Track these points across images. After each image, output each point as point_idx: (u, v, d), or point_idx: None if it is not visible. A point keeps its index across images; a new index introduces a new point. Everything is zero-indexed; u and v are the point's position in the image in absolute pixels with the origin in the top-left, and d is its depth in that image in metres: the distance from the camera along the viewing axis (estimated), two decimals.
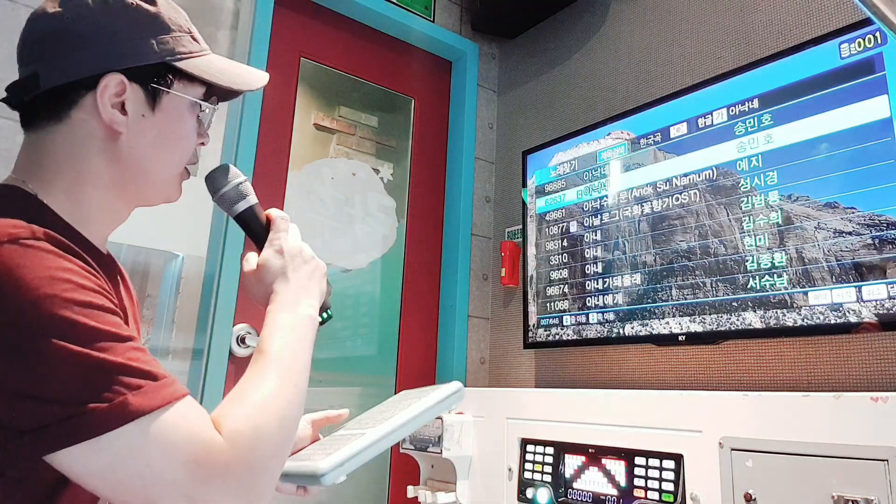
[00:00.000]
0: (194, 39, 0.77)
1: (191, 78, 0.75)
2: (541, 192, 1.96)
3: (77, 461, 0.54)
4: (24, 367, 0.53)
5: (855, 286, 1.23)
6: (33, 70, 0.70)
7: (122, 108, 0.70)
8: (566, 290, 1.82)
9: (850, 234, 1.25)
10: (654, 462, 1.28)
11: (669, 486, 1.24)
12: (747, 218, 1.41)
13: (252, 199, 0.83)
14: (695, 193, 1.53)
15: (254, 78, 0.82)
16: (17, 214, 0.60)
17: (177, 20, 0.75)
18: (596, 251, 1.75)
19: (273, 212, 0.83)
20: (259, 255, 0.81)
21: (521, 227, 2.03)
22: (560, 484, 1.45)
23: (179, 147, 0.76)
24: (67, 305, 0.55)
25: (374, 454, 0.74)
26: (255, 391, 0.65)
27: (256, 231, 0.83)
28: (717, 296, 1.44)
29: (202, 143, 0.80)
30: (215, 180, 0.81)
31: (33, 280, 0.55)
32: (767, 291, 1.35)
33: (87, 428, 0.53)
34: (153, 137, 0.73)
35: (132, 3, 0.71)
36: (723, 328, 1.42)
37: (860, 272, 1.23)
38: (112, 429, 0.53)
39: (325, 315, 0.86)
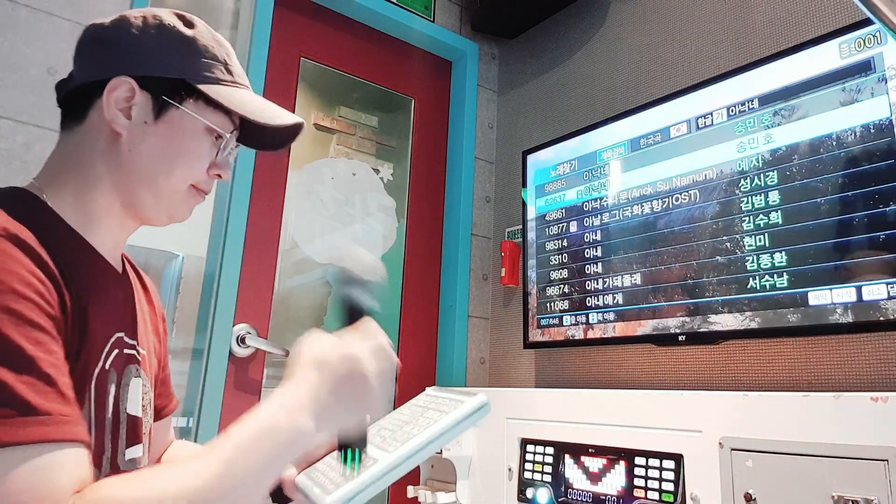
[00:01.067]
0: (228, 71, 0.77)
1: (211, 103, 0.74)
2: (541, 192, 1.96)
3: None
4: None
5: (855, 286, 1.23)
6: (73, 71, 0.75)
7: (129, 114, 0.72)
8: (566, 290, 1.82)
9: (850, 234, 1.25)
10: (654, 462, 1.28)
11: (669, 486, 1.24)
12: (747, 218, 1.41)
13: (369, 298, 0.74)
14: (695, 193, 1.53)
15: (281, 116, 0.79)
16: (11, 214, 0.61)
17: (212, 49, 0.76)
18: (596, 251, 1.75)
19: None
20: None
21: (521, 227, 2.03)
22: (560, 484, 1.45)
23: (181, 163, 0.74)
24: None
25: (387, 484, 0.67)
26: (166, 479, 0.54)
27: (351, 315, 0.73)
28: (717, 296, 1.44)
29: (217, 176, 0.78)
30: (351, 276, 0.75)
31: None
32: (767, 291, 1.35)
33: None
34: (152, 146, 0.73)
35: (169, 25, 0.74)
36: (723, 328, 1.42)
37: (860, 272, 1.23)
38: None
39: (355, 462, 0.67)
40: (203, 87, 0.74)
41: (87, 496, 0.51)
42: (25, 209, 0.65)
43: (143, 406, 0.79)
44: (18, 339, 0.53)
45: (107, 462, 0.70)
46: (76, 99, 0.74)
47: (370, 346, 0.66)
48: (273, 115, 0.78)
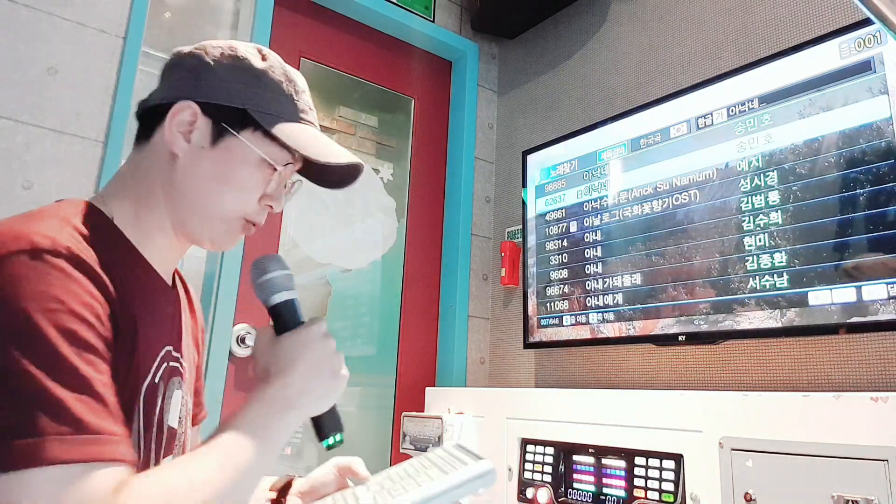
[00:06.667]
0: (294, 107, 0.77)
1: (271, 137, 0.74)
2: (541, 192, 1.96)
3: None
4: None
5: (855, 286, 1.23)
6: (152, 92, 0.77)
7: (189, 137, 0.74)
8: (566, 290, 1.82)
9: (850, 233, 1.25)
10: (654, 462, 1.28)
11: (669, 486, 1.24)
12: (747, 218, 1.41)
13: (293, 294, 0.77)
14: (694, 193, 1.53)
15: (338, 154, 0.78)
16: (80, 226, 0.64)
17: (281, 84, 0.76)
18: (596, 251, 1.75)
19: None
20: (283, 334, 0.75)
21: (521, 227, 2.03)
22: (560, 484, 1.45)
23: (231, 190, 0.75)
24: (47, 324, 0.55)
25: None
26: (181, 474, 0.59)
27: (288, 325, 0.76)
28: (716, 296, 1.44)
29: (269, 206, 0.78)
30: (262, 266, 0.77)
31: (30, 293, 0.55)
32: (767, 291, 1.35)
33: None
34: (205, 170, 0.74)
35: (242, 57, 0.76)
36: (723, 328, 1.42)
37: (860, 272, 1.23)
38: (18, 469, 0.51)
39: (334, 439, 0.75)
40: (261, 119, 0.74)
41: (128, 497, 0.54)
42: (89, 225, 0.67)
43: (180, 418, 0.81)
44: (74, 360, 0.55)
45: None
46: (148, 118, 0.76)
47: (324, 335, 0.75)
48: (330, 153, 0.77)
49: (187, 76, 0.75)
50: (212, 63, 0.75)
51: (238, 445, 0.63)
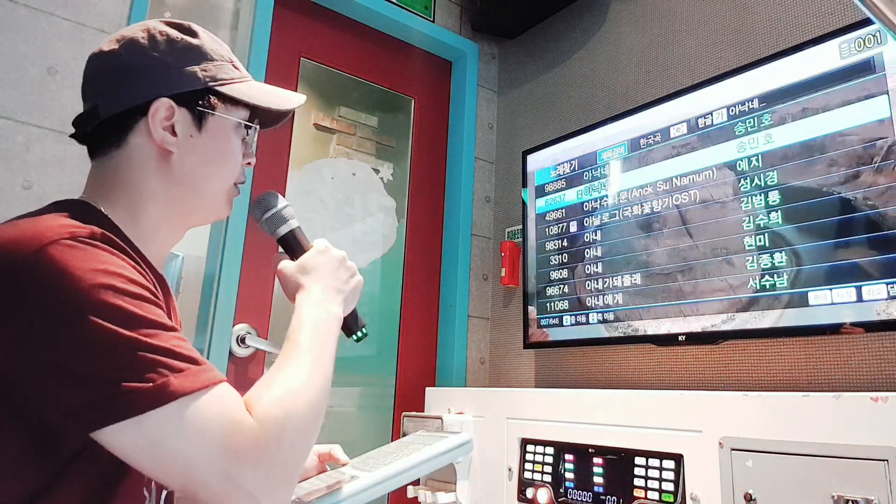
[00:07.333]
0: (235, 67, 0.84)
1: (234, 101, 0.81)
2: (541, 192, 1.96)
3: (122, 438, 0.58)
4: (75, 348, 0.57)
5: (855, 286, 1.23)
6: (94, 103, 0.77)
7: (173, 130, 0.77)
8: (566, 290, 1.82)
9: (849, 233, 1.25)
10: (654, 462, 1.28)
11: (669, 486, 1.24)
12: (747, 218, 1.41)
13: (295, 222, 0.89)
14: (694, 193, 1.53)
15: (290, 99, 0.88)
16: (84, 222, 0.66)
17: (218, 51, 0.82)
18: (596, 251, 1.75)
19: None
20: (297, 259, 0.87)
21: (521, 227, 2.03)
22: (560, 484, 1.45)
23: (226, 164, 0.82)
24: (118, 295, 0.60)
25: (366, 500, 0.76)
26: (286, 378, 0.70)
27: (296, 250, 0.88)
28: (717, 296, 1.44)
29: (248, 164, 0.86)
30: (264, 203, 0.88)
31: (88, 272, 0.60)
32: (767, 291, 1.35)
33: (131, 406, 0.57)
34: (201, 155, 0.79)
35: (177, 38, 0.78)
36: (723, 328, 1.42)
37: (860, 272, 1.23)
38: (154, 408, 0.57)
39: (360, 333, 0.88)
40: (224, 90, 0.80)
41: (254, 407, 0.65)
42: (93, 219, 0.70)
43: None
44: (158, 318, 0.62)
45: None
46: (111, 128, 0.77)
47: (337, 249, 0.88)
48: (284, 100, 0.86)
49: (142, 76, 0.76)
50: (155, 54, 0.77)
51: (311, 343, 0.74)
